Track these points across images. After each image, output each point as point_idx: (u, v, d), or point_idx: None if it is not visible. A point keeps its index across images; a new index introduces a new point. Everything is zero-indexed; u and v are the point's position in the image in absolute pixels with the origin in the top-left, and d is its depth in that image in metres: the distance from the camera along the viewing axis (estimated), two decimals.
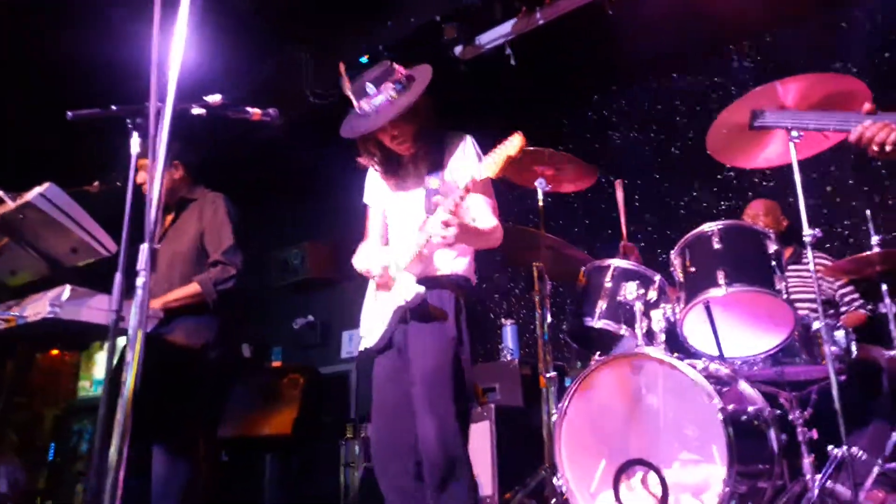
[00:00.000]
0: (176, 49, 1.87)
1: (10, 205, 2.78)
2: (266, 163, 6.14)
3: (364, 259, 2.76)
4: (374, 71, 2.61)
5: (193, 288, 3.31)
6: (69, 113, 2.37)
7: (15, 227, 2.85)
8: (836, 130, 2.17)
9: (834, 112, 2.39)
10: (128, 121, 2.31)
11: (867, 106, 2.08)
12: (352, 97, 2.65)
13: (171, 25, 1.88)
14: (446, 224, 2.38)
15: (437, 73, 2.62)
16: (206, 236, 3.44)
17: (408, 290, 2.57)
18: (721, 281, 2.77)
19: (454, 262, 2.69)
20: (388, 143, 2.68)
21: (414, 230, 2.62)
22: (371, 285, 2.82)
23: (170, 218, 3.58)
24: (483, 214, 2.66)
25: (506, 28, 4.98)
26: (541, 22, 4.84)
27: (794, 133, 2.93)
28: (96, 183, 3.42)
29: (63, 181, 2.95)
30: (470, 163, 2.62)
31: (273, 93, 5.46)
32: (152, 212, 1.64)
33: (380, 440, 2.64)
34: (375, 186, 2.91)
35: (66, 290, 2.84)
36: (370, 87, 2.57)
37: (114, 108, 2.32)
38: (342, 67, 2.79)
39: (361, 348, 2.78)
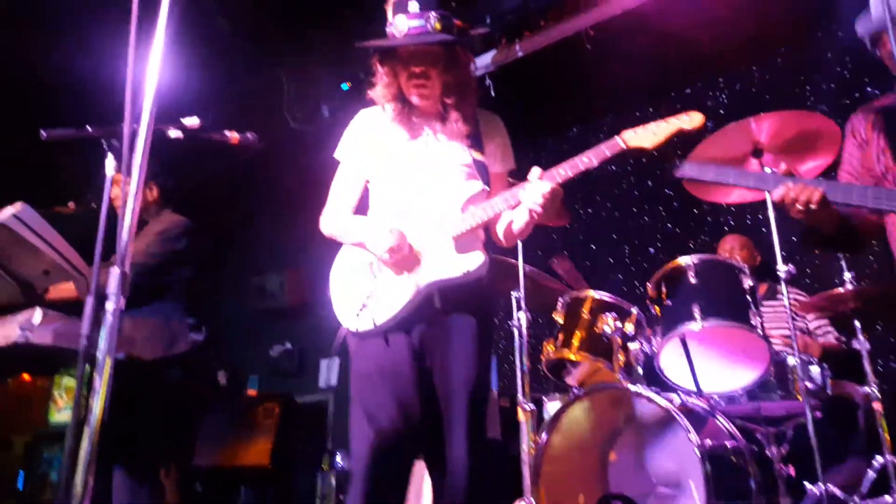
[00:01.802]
0: (152, 68, 1.85)
1: None
2: (245, 186, 6.12)
3: (361, 227, 2.33)
4: None
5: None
6: (43, 132, 2.35)
7: None
8: (755, 188, 2.19)
9: (755, 172, 2.46)
10: (103, 141, 2.29)
11: (784, 167, 2.11)
12: (389, 10, 2.28)
13: (148, 43, 1.87)
14: (553, 195, 2.07)
15: None
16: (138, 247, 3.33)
17: (465, 259, 2.17)
18: (697, 315, 2.78)
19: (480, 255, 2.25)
20: (404, 82, 2.28)
21: (426, 200, 2.25)
22: (355, 260, 2.35)
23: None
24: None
25: (486, 59, 5.04)
26: (520, 54, 4.90)
27: (767, 169, 3.00)
28: (71, 203, 3.38)
29: (36, 201, 2.91)
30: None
31: (253, 114, 5.45)
32: (125, 234, 1.61)
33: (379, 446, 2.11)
34: (365, 138, 2.41)
35: (37, 314, 2.80)
36: (413, 5, 2.21)
37: (89, 128, 2.30)
38: None
39: (352, 328, 2.27)
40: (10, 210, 2.69)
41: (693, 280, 2.91)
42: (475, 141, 2.34)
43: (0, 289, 3.02)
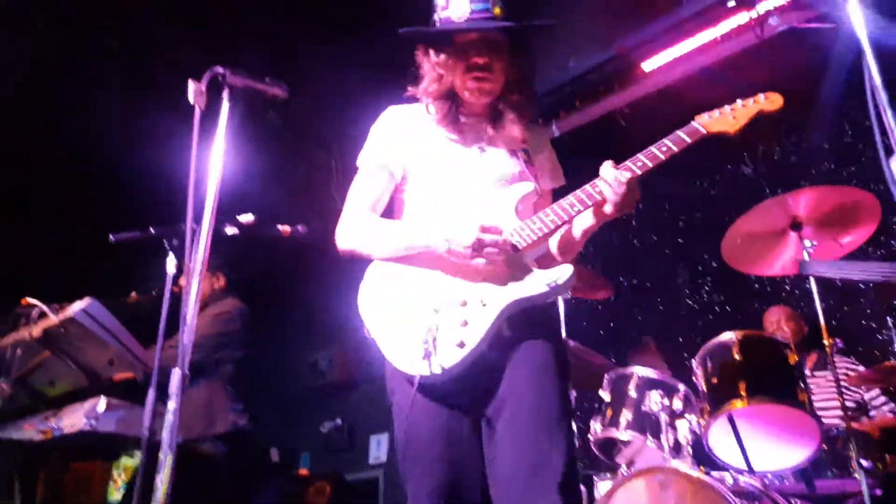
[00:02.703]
0: (213, 175, 2.01)
1: (54, 319, 2.93)
2: (295, 269, 6.31)
3: (410, 226, 1.99)
4: None
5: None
6: (112, 236, 2.54)
7: (57, 340, 2.99)
8: (885, 281, 2.16)
9: (880, 265, 2.39)
10: (165, 241, 2.47)
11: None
12: None
13: (208, 144, 2.03)
14: (631, 188, 1.85)
15: None
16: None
17: (549, 271, 1.85)
18: (742, 392, 2.77)
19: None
20: (459, 75, 1.98)
21: (476, 211, 1.93)
22: (397, 281, 1.95)
23: None
24: None
25: None
26: (556, 134, 5.05)
27: (807, 242, 3.02)
28: (133, 294, 3.58)
29: (101, 292, 3.11)
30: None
31: (304, 197, 5.66)
32: (186, 336, 1.73)
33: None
34: (398, 140, 2.09)
35: (102, 402, 2.94)
36: None
37: (152, 230, 2.49)
38: None
39: (412, 372, 1.82)
40: (79, 305, 2.88)
41: (737, 357, 2.90)
42: (525, 151, 2.08)
43: (68, 376, 3.21)
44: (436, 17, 1.99)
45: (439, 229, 1.89)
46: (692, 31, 4.50)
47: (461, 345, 1.81)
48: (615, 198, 1.85)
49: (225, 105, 1.88)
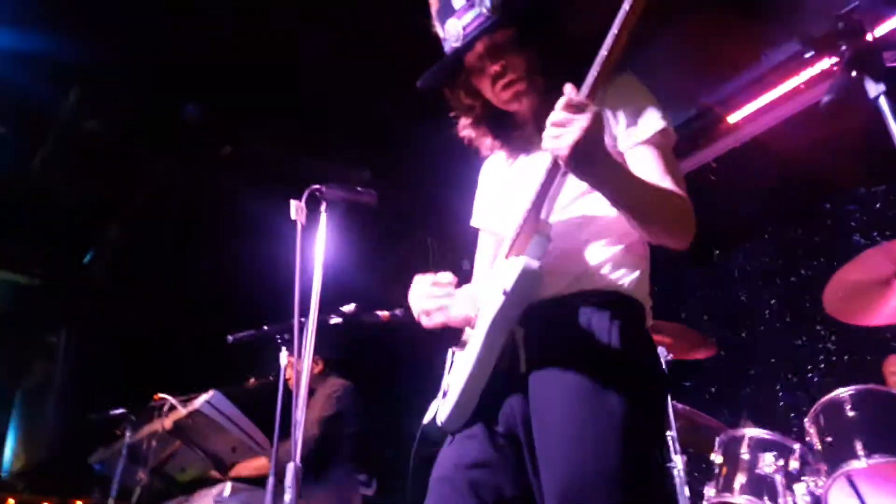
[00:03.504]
0: (317, 272, 2.23)
1: (183, 412, 3.21)
2: (396, 346, 6.48)
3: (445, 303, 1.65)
4: None
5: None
6: (230, 337, 2.80)
7: (185, 430, 3.26)
8: None
9: None
10: (277, 337, 2.70)
11: None
12: (436, 24, 1.74)
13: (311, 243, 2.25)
14: (570, 105, 1.33)
15: None
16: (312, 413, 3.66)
17: (509, 269, 1.50)
18: (860, 452, 2.65)
19: (615, 272, 1.59)
20: (491, 93, 1.71)
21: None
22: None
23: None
24: (654, 175, 1.53)
25: None
26: None
27: None
28: (252, 380, 3.84)
29: (222, 381, 3.38)
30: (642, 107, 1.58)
31: (404, 279, 5.88)
32: (299, 433, 1.90)
33: None
34: (483, 192, 1.90)
35: (228, 487, 3.16)
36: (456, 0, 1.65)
37: (265, 328, 2.73)
38: None
39: (438, 420, 1.64)
40: (204, 397, 3.15)
41: (851, 413, 2.79)
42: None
43: (197, 463, 3.47)
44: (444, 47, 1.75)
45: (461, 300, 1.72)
46: (775, 82, 4.48)
47: (444, 393, 1.61)
48: (561, 145, 1.35)
49: (323, 217, 2.09)
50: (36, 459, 5.65)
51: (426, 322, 1.67)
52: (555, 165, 1.43)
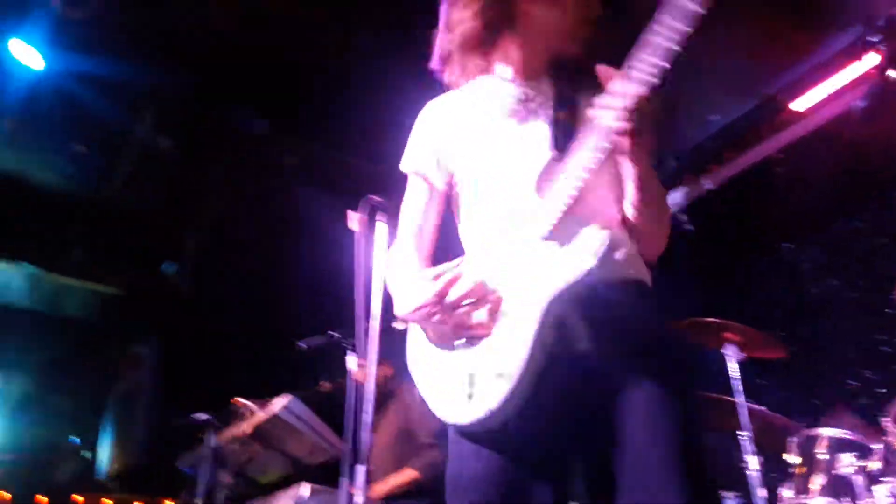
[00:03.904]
0: (377, 279, 2.31)
1: (262, 416, 3.34)
2: None
3: (415, 285, 1.49)
4: None
5: (410, 474, 3.60)
6: (302, 344, 2.90)
7: (265, 434, 3.40)
8: None
9: None
10: (344, 343, 2.79)
11: None
12: None
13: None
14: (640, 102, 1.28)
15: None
16: (414, 422, 3.75)
17: (589, 238, 1.36)
18: None
19: (639, 263, 1.55)
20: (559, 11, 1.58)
21: (524, 187, 1.48)
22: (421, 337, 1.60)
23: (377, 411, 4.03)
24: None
25: (676, 197, 5.17)
26: (710, 187, 4.98)
27: None
28: (324, 383, 3.97)
29: (293, 384, 3.52)
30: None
31: None
32: (366, 435, 1.98)
33: None
34: (443, 132, 1.71)
35: (306, 488, 3.28)
36: None
37: (333, 334, 2.82)
38: None
39: (453, 420, 1.49)
40: (281, 402, 3.27)
41: None
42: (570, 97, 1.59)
43: (276, 465, 3.62)
44: None
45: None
46: (839, 67, 4.34)
47: (500, 375, 1.40)
48: (622, 124, 1.31)
49: (380, 226, 2.16)
50: (128, 462, 5.96)
51: (443, 325, 1.47)
52: (608, 149, 1.34)
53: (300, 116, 4.95)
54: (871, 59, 4.21)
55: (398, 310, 1.59)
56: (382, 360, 4.00)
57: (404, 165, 1.77)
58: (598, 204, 1.47)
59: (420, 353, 1.61)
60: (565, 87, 1.61)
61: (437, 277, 1.46)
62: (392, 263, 1.75)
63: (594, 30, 1.62)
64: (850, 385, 4.56)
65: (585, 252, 1.34)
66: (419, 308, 1.47)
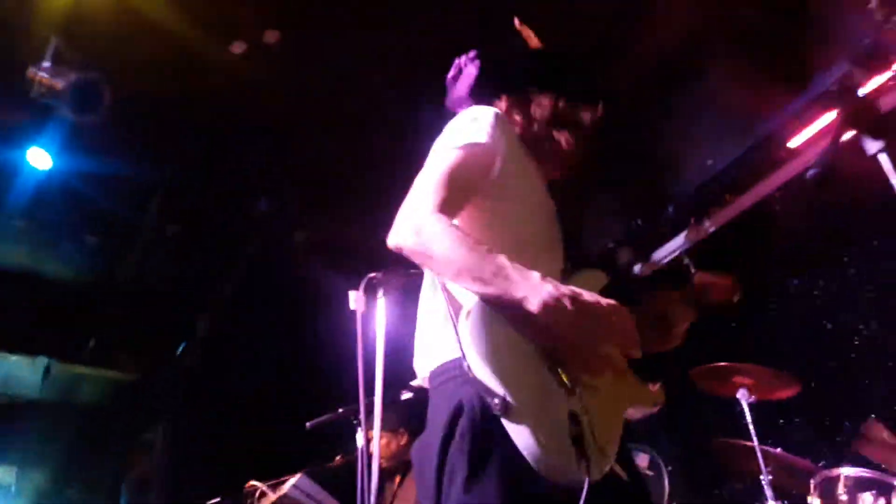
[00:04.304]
0: (379, 353, 2.35)
1: (272, 496, 3.34)
2: None
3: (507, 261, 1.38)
4: None
5: None
6: (308, 424, 2.92)
7: None
8: None
9: None
10: (351, 418, 2.80)
11: None
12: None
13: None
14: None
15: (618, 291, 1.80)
16: None
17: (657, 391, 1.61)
18: None
19: None
20: (563, 134, 1.76)
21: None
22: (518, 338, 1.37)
23: (398, 480, 3.99)
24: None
25: (679, 241, 5.18)
26: (712, 230, 4.99)
27: None
28: (338, 458, 3.96)
29: (309, 460, 3.52)
30: None
31: None
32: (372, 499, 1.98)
33: None
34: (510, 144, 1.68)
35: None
36: None
37: (340, 410, 2.85)
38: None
39: (567, 478, 1.28)
40: (291, 481, 3.27)
41: None
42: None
43: None
44: None
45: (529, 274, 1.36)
46: (832, 104, 4.39)
47: (602, 451, 1.34)
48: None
49: (381, 303, 2.21)
50: None
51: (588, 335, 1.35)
52: None
53: (305, 193, 5.08)
54: (828, 118, 4.32)
55: (533, 296, 1.31)
56: (397, 428, 4.03)
57: (480, 136, 1.60)
58: None
59: (509, 358, 1.35)
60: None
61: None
62: (436, 224, 1.44)
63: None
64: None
65: (651, 397, 1.61)
66: (591, 313, 1.34)
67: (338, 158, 4.88)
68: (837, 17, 3.95)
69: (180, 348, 5.95)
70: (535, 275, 1.35)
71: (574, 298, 1.32)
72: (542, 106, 1.75)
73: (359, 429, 2.75)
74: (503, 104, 1.78)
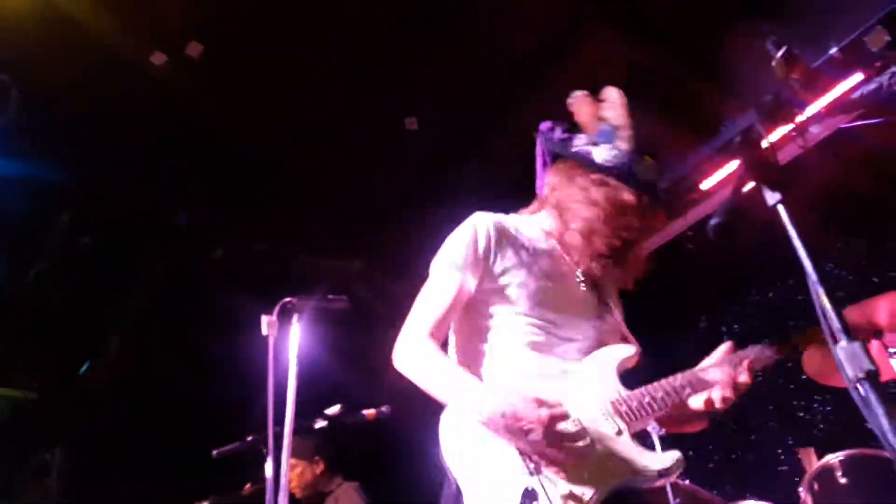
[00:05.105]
0: (291, 382, 2.29)
1: None
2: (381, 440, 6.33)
3: (465, 376, 1.74)
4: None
5: None
6: (214, 452, 2.81)
7: None
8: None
9: None
10: (261, 447, 2.71)
11: None
12: (588, 127, 1.98)
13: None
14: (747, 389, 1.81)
15: None
16: None
17: (665, 455, 1.69)
18: None
19: None
20: (604, 225, 1.84)
21: (594, 361, 1.83)
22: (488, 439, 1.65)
23: None
24: None
25: None
26: None
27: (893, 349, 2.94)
28: (248, 486, 3.82)
29: (211, 488, 3.38)
30: None
31: (384, 376, 5.76)
32: None
33: None
34: (510, 251, 1.89)
35: None
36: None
37: (249, 439, 2.75)
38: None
39: None
40: None
41: (842, 480, 2.78)
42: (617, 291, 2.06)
43: None
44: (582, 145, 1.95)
45: (482, 388, 1.70)
46: (736, 153, 4.61)
47: None
48: (728, 394, 1.79)
49: (295, 328, 2.16)
50: None
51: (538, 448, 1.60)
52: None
53: (225, 206, 4.94)
54: (732, 167, 4.55)
55: (476, 409, 1.64)
56: (312, 457, 3.93)
57: (457, 264, 1.85)
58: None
59: (469, 449, 1.65)
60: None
61: (541, 404, 1.60)
62: (416, 350, 1.78)
63: None
64: (776, 454, 4.64)
65: (655, 462, 1.68)
66: (522, 424, 1.57)
67: (261, 175, 4.78)
68: (746, 71, 4.19)
69: (83, 367, 5.64)
70: (481, 391, 1.66)
71: (505, 413, 1.58)
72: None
73: (268, 458, 2.66)
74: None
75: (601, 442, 1.65)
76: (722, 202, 1.21)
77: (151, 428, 5.23)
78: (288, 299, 2.24)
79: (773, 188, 1.14)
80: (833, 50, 3.56)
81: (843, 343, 1.07)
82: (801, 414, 4.75)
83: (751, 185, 1.20)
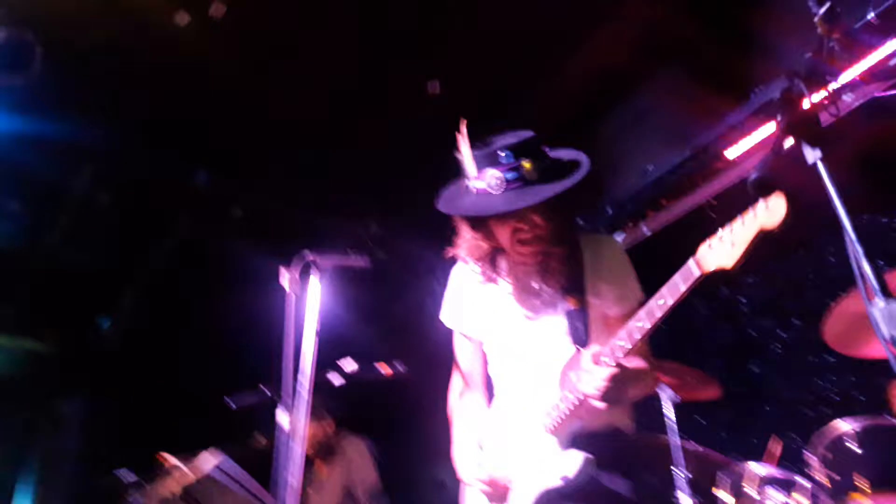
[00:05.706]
0: (308, 336, 2.29)
1: (192, 476, 3.22)
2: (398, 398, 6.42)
3: (463, 439, 2.26)
4: (512, 138, 1.98)
5: None
6: (232, 404, 2.83)
7: (195, 495, 3.27)
8: None
9: None
10: (275, 399, 2.72)
11: None
12: (468, 163, 2.01)
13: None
14: (615, 380, 1.78)
15: None
16: (354, 480, 3.74)
17: (568, 460, 1.90)
18: (866, 489, 2.63)
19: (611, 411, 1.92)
20: (505, 243, 2.00)
21: (543, 373, 2.01)
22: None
23: (319, 468, 3.95)
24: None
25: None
26: (648, 234, 5.09)
27: None
28: (262, 439, 3.88)
29: (225, 438, 3.43)
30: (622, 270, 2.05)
31: (404, 332, 5.80)
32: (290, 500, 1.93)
33: None
34: (470, 299, 2.23)
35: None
36: (505, 156, 1.92)
37: (265, 391, 2.77)
38: (463, 125, 2.08)
39: None
40: (212, 461, 3.16)
41: (856, 449, 2.77)
42: (574, 283, 2.02)
43: None
44: (469, 183, 2.00)
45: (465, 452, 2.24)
46: (768, 118, 4.53)
47: None
48: (596, 395, 1.80)
49: (315, 284, 2.15)
50: None
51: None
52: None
53: (244, 166, 4.94)
54: (769, 129, 4.46)
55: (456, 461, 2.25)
56: (324, 415, 3.97)
57: (447, 322, 2.33)
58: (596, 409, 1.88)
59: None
60: (541, 275, 2.04)
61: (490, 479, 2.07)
62: (458, 409, 2.32)
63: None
64: (789, 423, 4.62)
65: (559, 468, 1.92)
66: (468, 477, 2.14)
67: (283, 136, 4.76)
68: (778, 35, 4.08)
69: (105, 322, 5.71)
70: (463, 446, 2.23)
71: (475, 476, 2.12)
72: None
73: (286, 412, 2.67)
74: None
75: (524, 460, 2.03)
76: (762, 159, 1.18)
77: (169, 380, 5.31)
78: (309, 255, 2.23)
79: (814, 145, 1.11)
80: (871, 15, 3.45)
81: (879, 303, 1.05)
82: (817, 383, 4.72)
83: (790, 143, 1.17)
